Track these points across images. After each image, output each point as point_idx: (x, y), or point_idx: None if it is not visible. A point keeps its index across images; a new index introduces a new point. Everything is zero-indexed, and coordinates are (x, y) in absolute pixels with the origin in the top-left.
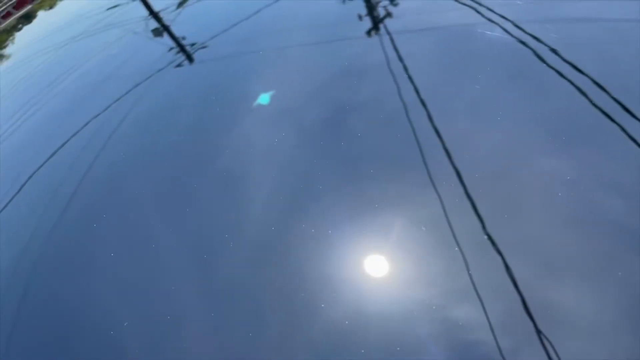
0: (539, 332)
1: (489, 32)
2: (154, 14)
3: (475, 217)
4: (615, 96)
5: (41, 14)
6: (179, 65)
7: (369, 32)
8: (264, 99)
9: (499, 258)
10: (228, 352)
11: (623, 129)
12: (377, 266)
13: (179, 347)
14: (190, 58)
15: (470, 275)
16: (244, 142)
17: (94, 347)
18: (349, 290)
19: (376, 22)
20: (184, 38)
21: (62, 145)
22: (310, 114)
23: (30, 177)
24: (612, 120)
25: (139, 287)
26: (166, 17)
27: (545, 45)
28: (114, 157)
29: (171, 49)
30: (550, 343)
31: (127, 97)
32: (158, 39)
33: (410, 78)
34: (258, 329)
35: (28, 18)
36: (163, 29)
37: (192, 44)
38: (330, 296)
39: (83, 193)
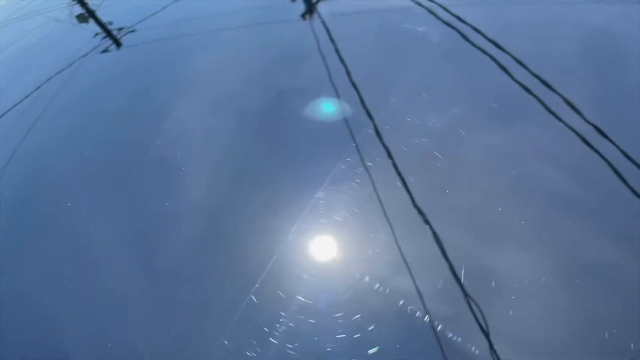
0: (467, 295)
1: (417, 14)
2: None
3: (404, 191)
4: (534, 72)
5: None
6: (106, 50)
7: (303, 15)
8: (327, 107)
9: (427, 228)
10: (168, 340)
11: (541, 102)
12: (313, 244)
13: (116, 334)
14: (117, 43)
15: (399, 246)
16: (175, 129)
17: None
18: (284, 269)
19: (310, 5)
20: (110, 23)
21: None
22: (242, 98)
23: None
24: (531, 93)
25: (69, 280)
26: (92, 2)
27: (469, 25)
28: (34, 149)
29: (97, 34)
30: (478, 306)
31: (47, 85)
32: (83, 25)
33: (342, 60)
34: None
35: None
36: (88, 14)
37: (120, 29)
38: (264, 275)
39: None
